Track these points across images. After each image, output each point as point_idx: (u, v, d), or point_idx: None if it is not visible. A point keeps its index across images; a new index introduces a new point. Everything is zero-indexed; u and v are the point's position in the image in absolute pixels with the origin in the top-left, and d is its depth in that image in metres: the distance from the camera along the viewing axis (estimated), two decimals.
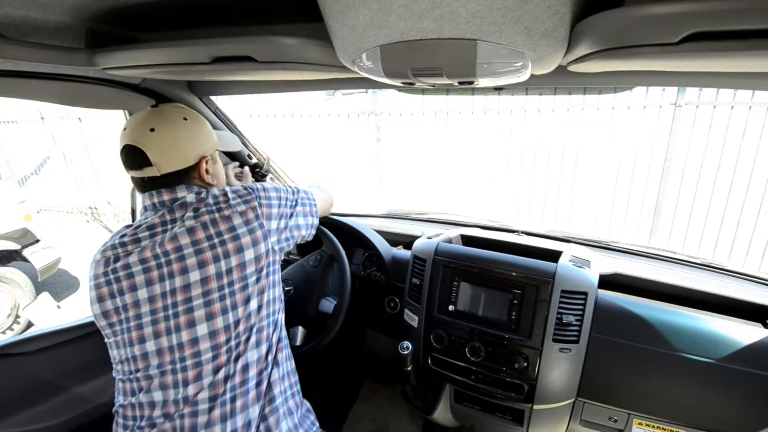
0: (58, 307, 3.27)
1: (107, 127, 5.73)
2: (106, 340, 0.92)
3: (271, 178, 1.75)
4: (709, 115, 3.24)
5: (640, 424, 1.16)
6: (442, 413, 1.44)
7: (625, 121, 3.55)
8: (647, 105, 3.41)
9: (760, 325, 1.14)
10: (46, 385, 1.21)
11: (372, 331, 1.66)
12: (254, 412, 0.88)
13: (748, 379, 1.03)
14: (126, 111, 1.34)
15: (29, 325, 3.47)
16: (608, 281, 1.30)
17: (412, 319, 1.40)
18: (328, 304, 1.43)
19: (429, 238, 1.48)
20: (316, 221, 1.12)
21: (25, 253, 3.44)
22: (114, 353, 0.90)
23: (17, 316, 3.43)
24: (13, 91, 1.03)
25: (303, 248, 1.75)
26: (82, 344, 1.29)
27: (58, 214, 6.59)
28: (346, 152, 4.96)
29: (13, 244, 3.37)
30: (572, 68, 0.69)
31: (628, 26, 0.49)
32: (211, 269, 0.85)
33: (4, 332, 3.37)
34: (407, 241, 1.68)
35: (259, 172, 1.68)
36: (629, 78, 0.91)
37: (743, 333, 1.08)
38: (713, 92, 3.20)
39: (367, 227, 1.64)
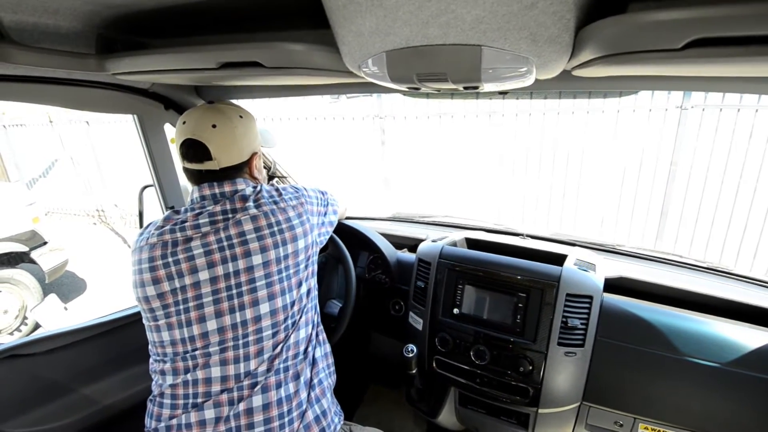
0: (65, 308, 3.29)
1: (114, 130, 5.79)
2: (151, 323, 0.92)
3: (277, 182, 1.76)
4: (716, 118, 3.23)
5: (646, 428, 1.15)
6: (446, 416, 1.44)
7: (630, 124, 3.54)
8: (653, 108, 3.40)
9: (767, 329, 1.14)
10: (56, 385, 1.22)
11: (377, 334, 1.67)
12: (304, 379, 0.97)
13: (756, 384, 1.02)
14: (135, 115, 1.36)
15: (36, 326, 3.51)
16: (614, 285, 1.30)
17: (417, 322, 1.40)
18: (333, 307, 1.44)
19: (434, 241, 1.48)
20: (336, 221, 1.22)
21: (33, 255, 3.48)
22: (164, 335, 0.91)
23: (25, 318, 3.47)
24: (25, 96, 1.05)
25: None
26: (93, 345, 1.30)
27: (65, 216, 6.65)
28: (351, 155, 4.98)
29: (21, 246, 3.41)
30: (576, 73, 0.70)
31: (631, 32, 0.49)
32: (272, 254, 0.92)
33: (11, 333, 3.41)
34: (412, 244, 1.69)
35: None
36: (633, 82, 0.91)
37: (750, 337, 1.07)
38: (719, 95, 3.18)
39: (372, 230, 1.65)
